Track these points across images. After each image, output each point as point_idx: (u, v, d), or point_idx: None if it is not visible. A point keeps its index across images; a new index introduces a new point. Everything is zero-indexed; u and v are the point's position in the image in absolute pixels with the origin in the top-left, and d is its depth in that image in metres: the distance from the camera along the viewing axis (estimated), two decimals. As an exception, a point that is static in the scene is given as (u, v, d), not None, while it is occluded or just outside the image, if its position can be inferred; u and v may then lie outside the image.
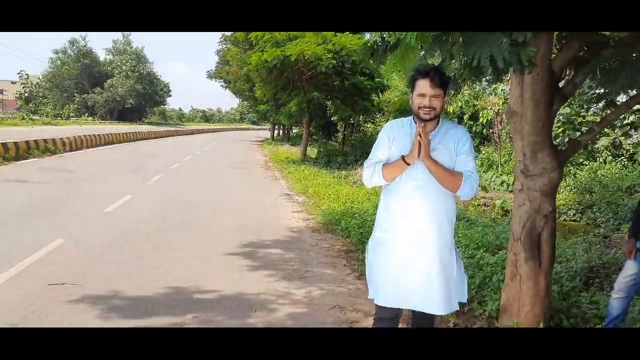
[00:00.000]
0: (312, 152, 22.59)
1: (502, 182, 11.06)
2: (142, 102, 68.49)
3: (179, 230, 7.09)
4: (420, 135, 2.52)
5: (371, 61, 3.85)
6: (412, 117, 2.77)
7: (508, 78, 4.14)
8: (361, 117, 22.20)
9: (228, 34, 19.17)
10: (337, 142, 23.73)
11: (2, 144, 15.11)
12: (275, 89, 18.92)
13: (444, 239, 2.64)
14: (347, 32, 15.89)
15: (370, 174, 2.74)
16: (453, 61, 3.06)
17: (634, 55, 3.35)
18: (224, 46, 35.12)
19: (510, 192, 10.14)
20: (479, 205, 8.72)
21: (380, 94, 19.73)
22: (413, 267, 2.62)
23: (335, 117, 21.03)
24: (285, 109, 18.53)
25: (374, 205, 8.17)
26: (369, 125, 24.01)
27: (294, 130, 40.01)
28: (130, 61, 67.50)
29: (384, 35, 3.82)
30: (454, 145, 2.67)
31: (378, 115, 22.37)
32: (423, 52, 2.78)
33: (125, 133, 31.62)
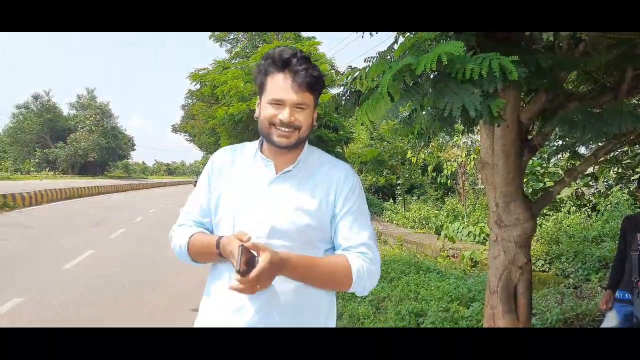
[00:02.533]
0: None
1: (469, 232, 11.10)
2: (105, 156, 68.21)
3: (143, 287, 6.79)
4: (243, 256, 1.31)
5: (335, 114, 3.86)
6: (259, 142, 1.66)
7: (477, 130, 4.19)
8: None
9: (193, 89, 19.24)
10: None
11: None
12: (242, 141, 18.92)
13: None
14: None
15: (175, 243, 1.64)
16: (423, 112, 3.05)
17: (597, 109, 3.43)
18: (190, 101, 35.41)
19: (477, 242, 10.17)
20: (448, 256, 8.68)
21: (345, 146, 20.01)
22: None
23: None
24: (253, 162, 18.49)
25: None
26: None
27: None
28: (94, 115, 67.45)
29: (351, 88, 3.86)
30: (331, 195, 1.51)
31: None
32: (393, 103, 2.72)
33: (88, 187, 31.06)
